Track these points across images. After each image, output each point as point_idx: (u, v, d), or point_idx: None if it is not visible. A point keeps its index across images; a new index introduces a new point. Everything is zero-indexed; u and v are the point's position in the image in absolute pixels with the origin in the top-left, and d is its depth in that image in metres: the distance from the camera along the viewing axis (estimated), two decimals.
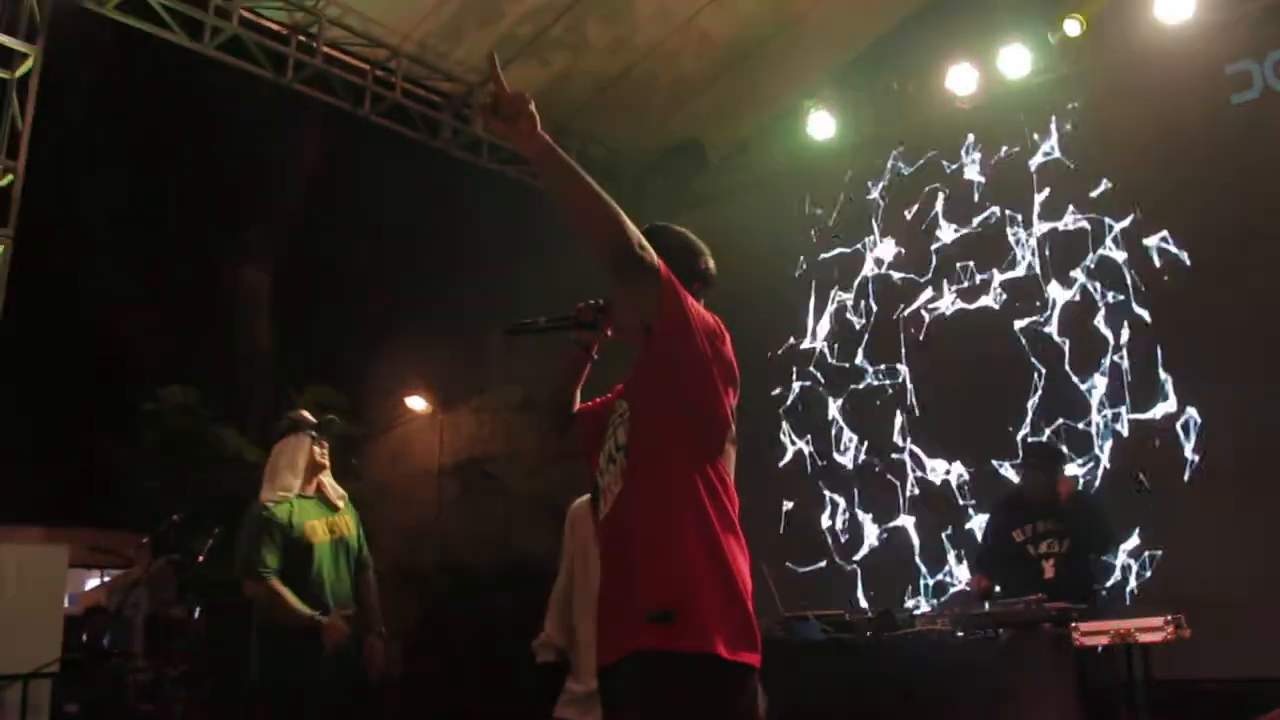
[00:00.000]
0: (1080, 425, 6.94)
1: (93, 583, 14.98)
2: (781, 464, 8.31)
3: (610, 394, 2.76)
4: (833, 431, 8.17)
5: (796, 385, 8.45)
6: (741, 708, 2.29)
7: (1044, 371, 7.16)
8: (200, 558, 6.65)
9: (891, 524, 7.73)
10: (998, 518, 5.96)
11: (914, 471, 7.67)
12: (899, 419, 7.82)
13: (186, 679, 7.57)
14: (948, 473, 7.49)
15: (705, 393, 2.46)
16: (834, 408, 8.19)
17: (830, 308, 8.36)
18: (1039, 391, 7.16)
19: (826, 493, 8.08)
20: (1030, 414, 7.15)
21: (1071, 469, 6.76)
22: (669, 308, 2.39)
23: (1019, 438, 7.11)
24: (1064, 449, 6.63)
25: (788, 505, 8.18)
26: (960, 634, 4.93)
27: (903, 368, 7.88)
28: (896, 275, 8.04)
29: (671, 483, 2.39)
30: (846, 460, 8.05)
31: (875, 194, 8.26)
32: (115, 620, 8.31)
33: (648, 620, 2.24)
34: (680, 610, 2.25)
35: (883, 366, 7.99)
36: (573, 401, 2.77)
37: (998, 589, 5.51)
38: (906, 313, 7.92)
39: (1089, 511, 5.78)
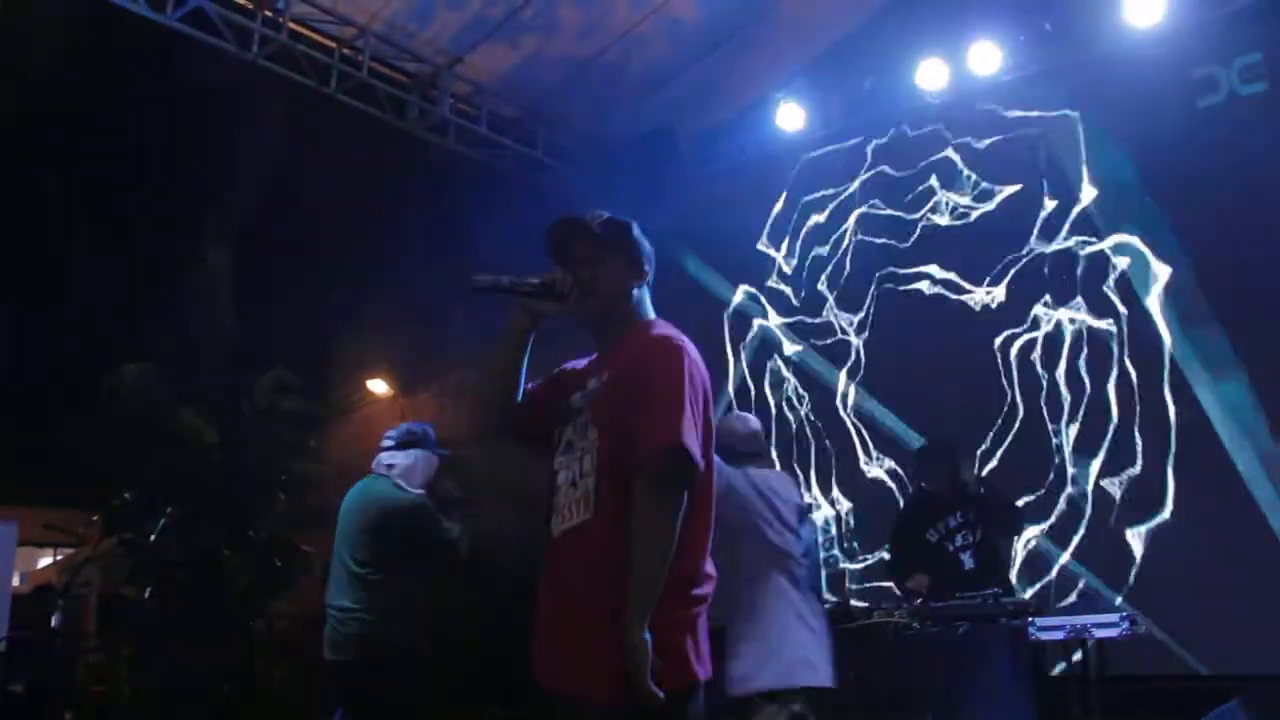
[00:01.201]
0: (1039, 446, 6.99)
1: (44, 561, 14.79)
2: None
3: (557, 377, 2.75)
4: (792, 429, 8.20)
5: (752, 382, 8.46)
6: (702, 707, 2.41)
7: (1001, 360, 7.22)
8: (152, 537, 6.56)
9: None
10: (905, 523, 5.88)
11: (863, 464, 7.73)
12: (849, 421, 7.88)
13: (137, 659, 7.50)
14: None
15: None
16: (795, 406, 8.21)
17: (797, 299, 8.36)
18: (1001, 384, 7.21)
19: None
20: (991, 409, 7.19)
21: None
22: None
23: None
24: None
25: None
26: (918, 627, 4.96)
27: (861, 360, 7.91)
28: (863, 269, 8.04)
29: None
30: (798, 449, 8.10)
31: (843, 188, 8.25)
32: (64, 599, 8.21)
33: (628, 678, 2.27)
34: (661, 656, 2.29)
35: (842, 368, 8.01)
36: (520, 379, 2.70)
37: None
38: (871, 307, 7.94)
39: (995, 496, 5.77)
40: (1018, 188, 7.36)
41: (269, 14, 7.43)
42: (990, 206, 7.49)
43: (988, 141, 7.56)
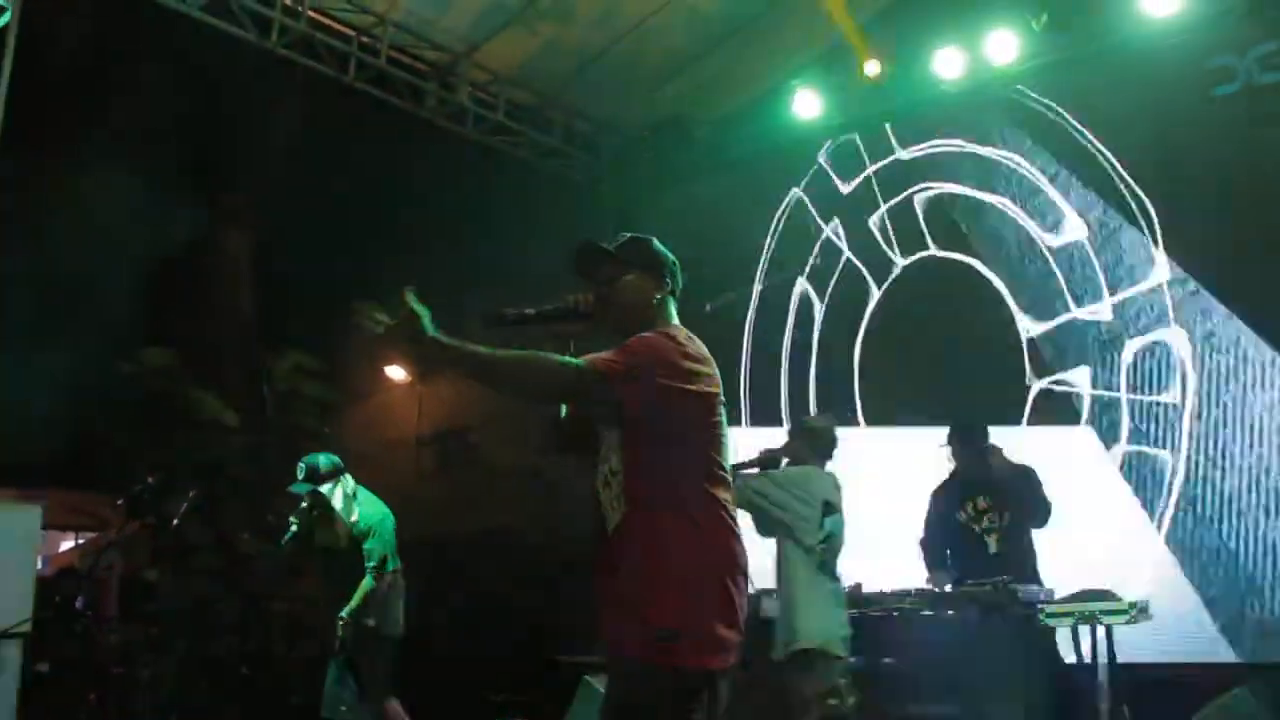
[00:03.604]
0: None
1: (67, 544, 14.93)
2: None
3: None
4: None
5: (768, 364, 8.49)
6: (702, 703, 2.54)
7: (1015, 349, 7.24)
8: (175, 521, 6.65)
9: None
10: (938, 502, 5.93)
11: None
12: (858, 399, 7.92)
13: (158, 642, 7.60)
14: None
15: (690, 425, 2.65)
16: (811, 393, 8.25)
17: (811, 286, 8.38)
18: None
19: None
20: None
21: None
22: (631, 396, 2.58)
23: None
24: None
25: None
26: (929, 612, 5.00)
27: (867, 350, 7.93)
28: (876, 257, 8.05)
29: (673, 504, 2.59)
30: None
31: (858, 176, 8.25)
32: (87, 582, 8.31)
33: (657, 639, 2.48)
34: (685, 630, 2.50)
35: (856, 352, 8.03)
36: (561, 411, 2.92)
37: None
38: (884, 293, 7.96)
39: (1024, 481, 5.73)
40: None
41: (288, 2, 7.49)
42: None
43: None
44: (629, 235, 2.88)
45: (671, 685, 2.49)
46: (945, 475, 6.09)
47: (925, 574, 5.71)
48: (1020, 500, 5.62)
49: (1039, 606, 4.75)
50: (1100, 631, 4.75)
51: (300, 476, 5.74)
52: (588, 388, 2.56)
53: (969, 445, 5.78)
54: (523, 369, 2.53)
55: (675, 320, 2.84)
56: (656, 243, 2.90)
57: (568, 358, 2.60)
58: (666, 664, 2.48)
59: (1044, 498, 5.75)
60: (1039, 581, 5.38)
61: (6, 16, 6.26)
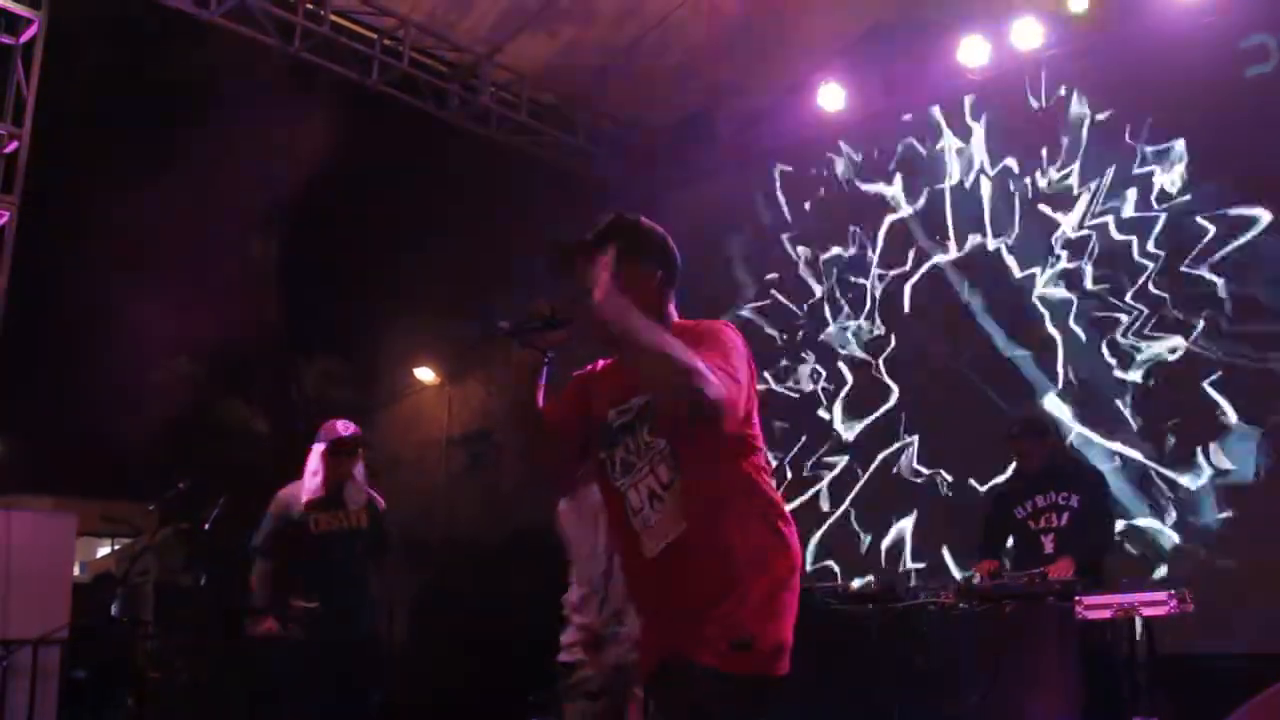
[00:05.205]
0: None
1: (103, 551, 15.13)
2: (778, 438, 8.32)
3: (580, 393, 2.64)
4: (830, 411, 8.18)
5: (800, 362, 8.45)
6: (767, 710, 2.45)
7: (1056, 338, 7.17)
8: (206, 525, 6.69)
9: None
10: (1000, 497, 5.86)
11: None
12: (894, 396, 7.87)
13: (193, 646, 7.65)
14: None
15: (754, 421, 2.48)
16: (845, 384, 8.20)
17: (840, 281, 8.33)
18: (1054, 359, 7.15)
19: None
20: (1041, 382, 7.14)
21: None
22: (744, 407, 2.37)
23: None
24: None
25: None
26: (964, 607, 4.94)
27: (896, 342, 7.87)
28: (905, 249, 7.99)
29: (743, 510, 2.43)
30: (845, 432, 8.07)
31: (886, 168, 8.19)
32: (123, 587, 8.39)
33: (731, 648, 2.33)
34: (760, 636, 2.37)
35: (881, 338, 7.98)
36: (539, 414, 2.54)
37: (1007, 564, 5.49)
38: (913, 285, 7.90)
39: (1090, 486, 5.58)
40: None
41: (310, 7, 7.52)
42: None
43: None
44: (610, 216, 2.51)
45: (751, 694, 2.38)
46: (1009, 473, 5.97)
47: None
48: (1082, 501, 5.43)
49: (1076, 598, 4.68)
50: (1140, 623, 4.67)
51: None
52: (712, 406, 2.23)
53: (1035, 441, 5.67)
54: (660, 349, 2.21)
55: (675, 316, 2.57)
56: (647, 221, 2.56)
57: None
58: (749, 672, 2.36)
59: (1105, 502, 5.62)
60: (1097, 580, 5.19)
61: (35, 30, 6.32)
